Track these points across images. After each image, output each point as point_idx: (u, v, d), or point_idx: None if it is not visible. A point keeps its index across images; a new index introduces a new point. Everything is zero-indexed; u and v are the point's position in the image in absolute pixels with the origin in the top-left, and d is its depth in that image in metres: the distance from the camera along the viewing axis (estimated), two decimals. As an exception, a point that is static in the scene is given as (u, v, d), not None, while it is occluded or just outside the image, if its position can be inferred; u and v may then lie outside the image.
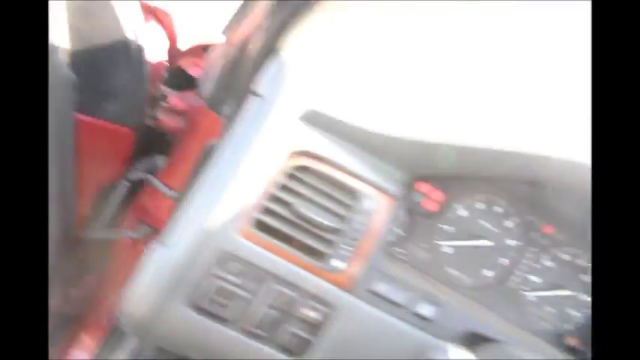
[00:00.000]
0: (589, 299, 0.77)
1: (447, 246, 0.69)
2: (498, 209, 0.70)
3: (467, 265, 0.71)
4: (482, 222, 0.70)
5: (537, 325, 0.75)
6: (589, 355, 0.78)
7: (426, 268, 0.68)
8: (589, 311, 0.77)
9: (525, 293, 0.74)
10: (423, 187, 0.66)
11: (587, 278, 0.77)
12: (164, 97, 0.86)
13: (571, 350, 0.76)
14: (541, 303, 0.76)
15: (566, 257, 0.76)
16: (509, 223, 0.71)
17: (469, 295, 0.71)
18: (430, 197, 0.67)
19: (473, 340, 0.59)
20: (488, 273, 0.72)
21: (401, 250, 0.66)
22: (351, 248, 0.56)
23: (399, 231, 0.65)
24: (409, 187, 0.64)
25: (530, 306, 0.75)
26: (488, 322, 0.67)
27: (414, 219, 0.67)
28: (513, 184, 0.68)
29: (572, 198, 0.68)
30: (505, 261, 0.72)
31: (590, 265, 0.75)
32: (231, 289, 0.51)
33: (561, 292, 0.76)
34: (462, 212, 0.69)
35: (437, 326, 0.58)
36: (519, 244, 0.72)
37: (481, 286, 0.72)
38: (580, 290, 0.77)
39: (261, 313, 0.52)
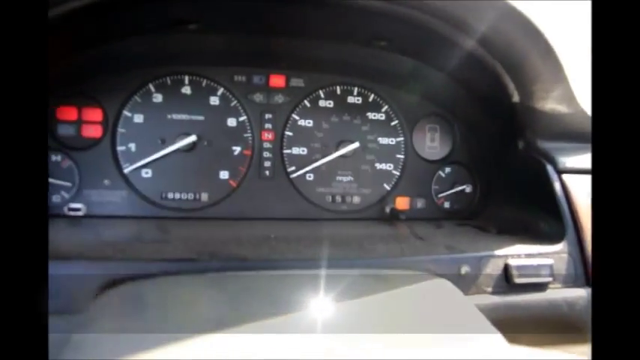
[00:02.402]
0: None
1: (144, 170, 0.67)
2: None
3: (186, 185, 0.67)
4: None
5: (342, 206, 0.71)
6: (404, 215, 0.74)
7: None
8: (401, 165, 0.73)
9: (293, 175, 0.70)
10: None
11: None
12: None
13: (397, 213, 0.73)
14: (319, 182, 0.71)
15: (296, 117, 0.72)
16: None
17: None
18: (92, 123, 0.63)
19: None
20: (223, 174, 0.69)
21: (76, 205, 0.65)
22: None
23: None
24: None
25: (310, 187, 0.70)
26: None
27: (76, 155, 0.64)
28: None
29: None
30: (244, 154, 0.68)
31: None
32: None
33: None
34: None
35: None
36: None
37: (223, 196, 0.68)
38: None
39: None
